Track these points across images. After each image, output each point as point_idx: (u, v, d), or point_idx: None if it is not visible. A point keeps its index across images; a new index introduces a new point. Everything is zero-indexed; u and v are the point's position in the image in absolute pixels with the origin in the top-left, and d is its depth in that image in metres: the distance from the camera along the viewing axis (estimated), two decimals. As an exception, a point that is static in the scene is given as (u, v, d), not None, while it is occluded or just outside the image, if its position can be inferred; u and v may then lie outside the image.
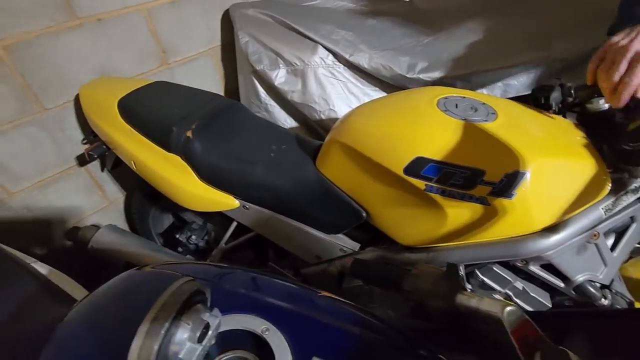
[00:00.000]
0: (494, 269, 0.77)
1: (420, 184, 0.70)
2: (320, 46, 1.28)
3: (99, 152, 1.12)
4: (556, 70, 1.08)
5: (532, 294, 0.77)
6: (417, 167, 0.70)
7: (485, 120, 0.72)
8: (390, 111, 0.81)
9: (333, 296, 0.47)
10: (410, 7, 1.41)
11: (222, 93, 1.66)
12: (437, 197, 0.70)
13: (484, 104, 0.78)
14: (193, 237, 1.21)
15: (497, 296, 0.80)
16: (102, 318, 0.38)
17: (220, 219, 1.11)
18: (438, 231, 0.74)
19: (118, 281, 0.45)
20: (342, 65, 1.30)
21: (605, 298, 0.73)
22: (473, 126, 0.71)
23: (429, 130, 0.72)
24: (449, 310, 0.42)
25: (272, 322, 0.36)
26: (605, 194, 0.69)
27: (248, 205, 0.97)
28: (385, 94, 1.32)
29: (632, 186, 0.70)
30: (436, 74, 1.16)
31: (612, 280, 0.76)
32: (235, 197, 0.97)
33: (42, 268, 0.77)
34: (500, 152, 0.66)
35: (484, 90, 1.18)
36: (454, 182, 0.68)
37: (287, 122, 1.42)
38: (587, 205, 0.68)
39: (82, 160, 1.27)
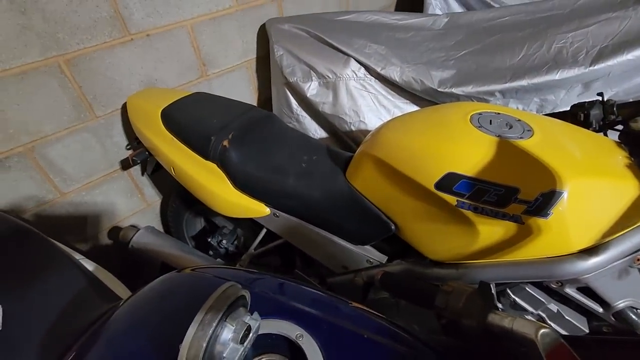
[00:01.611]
0: (527, 289, 0.75)
1: (451, 199, 0.70)
2: (353, 59, 1.31)
3: (141, 157, 1.20)
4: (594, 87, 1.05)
5: (567, 318, 0.75)
6: (448, 182, 0.70)
7: (521, 138, 0.71)
8: (423, 126, 0.81)
9: (364, 307, 0.48)
10: (442, 21, 1.42)
11: (255, 103, 1.72)
12: (469, 213, 0.70)
13: (519, 120, 0.77)
14: (224, 241, 1.25)
15: (529, 317, 0.78)
16: (150, 317, 0.41)
17: (250, 225, 1.15)
18: (469, 248, 0.73)
19: (162, 282, 0.49)
20: (374, 78, 1.32)
21: (649, 327, 0.69)
22: (507, 143, 0.70)
23: (461, 146, 0.72)
24: (481, 330, 0.42)
25: (306, 329, 0.38)
26: (650, 218, 0.66)
27: (278, 213, 1.00)
28: (416, 107, 1.33)
29: (681, 210, 0.66)
30: (469, 89, 1.15)
31: (658, 309, 0.71)
32: (266, 205, 1.01)
33: (89, 264, 0.82)
34: (536, 170, 0.65)
35: (520, 106, 1.16)
36: (487, 199, 0.67)
37: (318, 132, 1.46)
38: (630, 229, 0.65)
39: (126, 165, 1.35)
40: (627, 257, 0.66)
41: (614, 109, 0.80)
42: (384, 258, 0.94)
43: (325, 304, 0.44)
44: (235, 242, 1.29)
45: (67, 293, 0.69)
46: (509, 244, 0.69)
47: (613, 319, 0.72)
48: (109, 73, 1.22)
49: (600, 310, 0.72)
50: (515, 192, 0.65)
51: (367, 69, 1.31)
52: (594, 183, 0.65)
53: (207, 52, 1.45)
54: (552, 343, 0.37)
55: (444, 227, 0.75)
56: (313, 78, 1.35)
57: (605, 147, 0.75)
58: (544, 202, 0.64)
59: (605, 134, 0.84)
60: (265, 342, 0.39)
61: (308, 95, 1.36)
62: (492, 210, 0.67)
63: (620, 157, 0.72)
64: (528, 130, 0.74)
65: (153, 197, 1.53)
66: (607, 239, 0.65)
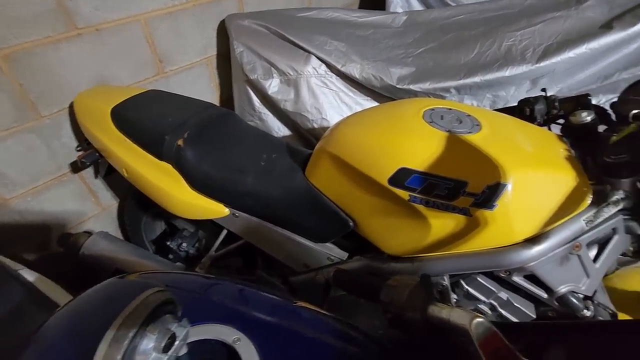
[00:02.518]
0: (478, 279, 0.77)
1: (404, 194, 0.71)
2: (314, 56, 1.30)
3: (91, 159, 1.13)
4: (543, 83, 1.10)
5: (516, 305, 0.78)
6: (401, 177, 0.71)
7: (470, 132, 0.73)
8: (377, 122, 0.82)
9: (310, 307, 0.47)
10: (401, 19, 1.44)
11: (217, 101, 1.67)
12: (421, 207, 0.71)
13: (469, 115, 0.79)
14: (184, 244, 1.21)
15: (482, 306, 0.81)
16: (75, 326, 0.39)
17: (212, 226, 1.11)
18: (422, 241, 0.75)
19: (96, 289, 0.46)
20: (335, 75, 1.32)
21: (588, 309, 0.73)
22: (457, 138, 0.72)
23: (413, 141, 0.73)
24: (423, 322, 0.43)
25: (244, 332, 0.37)
26: (586, 205, 0.70)
27: (238, 213, 0.98)
28: (376, 104, 1.34)
29: (614, 198, 0.70)
30: (426, 85, 1.18)
31: (595, 292, 0.76)
32: (225, 205, 0.98)
33: (29, 275, 0.77)
34: (482, 163, 0.67)
35: (474, 101, 1.19)
36: (438, 193, 0.69)
37: (280, 130, 1.44)
38: (569, 217, 0.69)
39: (76, 168, 1.28)
40: (567, 245, 0.70)
41: (556, 103, 0.84)
42: (344, 255, 0.95)
43: (268, 305, 0.43)
44: (197, 245, 1.25)
45: (1, 307, 0.64)
46: (460, 236, 0.71)
47: (557, 303, 0.76)
48: (55, 70, 1.14)
49: (545, 296, 0.75)
50: (463, 185, 0.67)
51: (328, 66, 1.31)
52: (536, 175, 0.68)
53: (164, 48, 1.40)
54: (486, 332, 0.37)
55: (399, 222, 0.76)
56: (274, 75, 1.33)
57: (548, 140, 0.78)
58: (490, 194, 0.66)
59: (549, 128, 0.88)
60: (204, 348, 0.37)
61: (269, 92, 1.34)
62: (443, 203, 0.69)
63: (560, 150, 0.76)
64: (477, 125, 0.76)
65: (109, 201, 1.45)
66: (548, 228, 0.68)
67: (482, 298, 0.79)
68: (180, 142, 0.95)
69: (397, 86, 1.20)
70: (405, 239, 0.77)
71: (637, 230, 0.74)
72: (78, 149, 1.24)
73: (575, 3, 1.16)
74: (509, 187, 0.65)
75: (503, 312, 0.80)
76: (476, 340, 0.37)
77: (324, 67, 1.31)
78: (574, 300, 0.74)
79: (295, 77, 1.31)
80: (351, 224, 0.86)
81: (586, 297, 0.75)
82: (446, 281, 0.77)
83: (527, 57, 1.09)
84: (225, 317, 0.39)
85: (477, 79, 1.13)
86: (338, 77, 1.32)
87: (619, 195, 0.71)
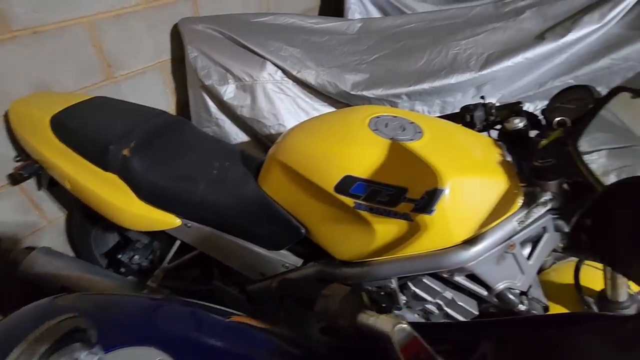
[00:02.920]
0: (424, 280, 0.80)
1: (349, 201, 0.73)
2: (269, 62, 1.30)
3: (30, 171, 1.07)
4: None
5: (459, 303, 0.82)
6: (346, 185, 0.72)
7: (411, 139, 0.76)
8: (324, 130, 0.83)
9: (245, 321, 0.47)
10: (356, 26, 1.47)
11: (173, 107, 1.63)
12: (366, 214, 0.73)
13: (412, 123, 0.82)
14: (136, 257, 1.17)
15: (429, 306, 0.84)
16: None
17: (167, 237, 1.08)
18: (369, 246, 0.77)
19: (19, 312, 0.43)
20: (291, 81, 1.33)
21: (523, 304, 0.78)
22: (399, 145, 0.74)
23: (357, 149, 0.75)
24: (354, 329, 0.44)
25: (169, 353, 0.36)
26: (518, 207, 0.74)
27: (190, 223, 0.96)
28: (333, 109, 1.36)
29: (542, 199, 0.76)
30: (379, 91, 1.21)
31: (530, 287, 0.81)
32: (176, 216, 0.96)
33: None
34: (422, 170, 0.70)
35: (424, 107, 1.24)
36: (380, 200, 0.71)
37: (238, 136, 1.42)
38: (502, 218, 0.73)
39: (15, 179, 1.20)
40: (502, 244, 0.74)
41: (493, 110, 0.89)
42: (299, 261, 0.95)
43: (197, 323, 0.43)
44: (151, 257, 1.21)
45: None
46: (403, 240, 0.73)
47: (496, 300, 0.80)
48: (-14, 76, 1.06)
49: (485, 293, 0.80)
50: (404, 191, 0.70)
51: (284, 72, 1.31)
52: (471, 180, 0.71)
53: (113, 52, 1.34)
54: (407, 338, 0.39)
55: (347, 228, 0.78)
56: (230, 81, 1.32)
57: (485, 146, 0.83)
58: (428, 199, 0.69)
59: (489, 133, 0.93)
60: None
61: (225, 98, 1.32)
62: (385, 209, 0.71)
63: (496, 155, 0.80)
64: (419, 132, 0.79)
65: (55, 213, 1.37)
66: (484, 230, 0.72)
67: (429, 298, 0.82)
68: (126, 151, 0.91)
69: (352, 92, 1.23)
70: (354, 245, 0.79)
71: (564, 228, 0.80)
72: (17, 159, 1.17)
73: (514, 15, 1.23)
74: (446, 192, 0.69)
75: (449, 310, 0.83)
76: (397, 345, 0.39)
77: (280, 73, 1.31)
78: (511, 296, 0.79)
79: (251, 83, 1.30)
80: (303, 231, 0.86)
81: (522, 293, 0.80)
82: (394, 284, 0.80)
83: (470, 65, 1.15)
84: (148, 339, 0.38)
85: (426, 85, 1.17)
86: (294, 83, 1.33)
87: (547, 196, 0.76)
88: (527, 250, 0.81)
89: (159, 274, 1.07)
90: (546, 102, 1.19)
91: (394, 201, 0.70)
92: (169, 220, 0.96)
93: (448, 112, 1.25)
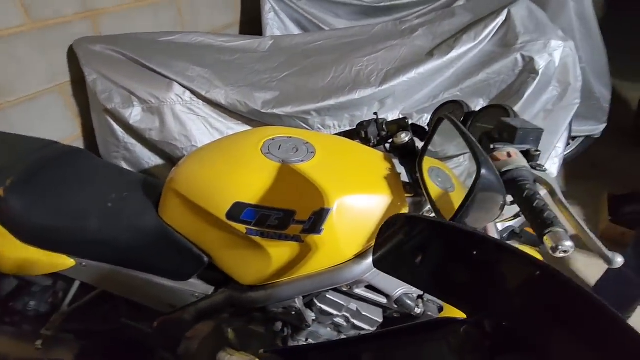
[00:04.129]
0: (328, 296, 0.82)
1: (241, 228, 0.73)
2: (176, 83, 1.27)
3: None
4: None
5: (364, 313, 0.85)
6: (236, 212, 0.72)
7: (302, 161, 0.78)
8: (217, 157, 0.82)
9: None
10: (267, 43, 1.48)
11: (78, 132, 1.51)
12: (258, 239, 0.73)
13: (307, 143, 0.85)
14: (32, 302, 1.05)
15: (337, 320, 0.87)
16: None
17: (66, 277, 0.99)
18: (268, 270, 0.77)
19: None
20: (201, 102, 1.30)
21: (419, 307, 0.84)
22: (288, 168, 0.76)
23: (247, 175, 0.75)
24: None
25: None
26: (403, 220, 0.79)
27: (85, 262, 0.89)
28: (248, 127, 1.35)
29: (427, 207, 0.82)
30: (288, 109, 1.23)
31: (426, 289, 0.87)
32: (68, 256, 0.88)
33: None
34: (309, 191, 0.72)
35: (334, 121, 1.28)
36: (270, 224, 0.71)
37: (152, 160, 1.36)
38: (390, 230, 0.78)
39: None
40: (393, 254, 0.78)
41: (384, 126, 0.94)
42: (210, 289, 0.92)
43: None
44: (51, 299, 1.10)
45: None
46: (298, 261, 0.75)
47: (395, 306, 0.85)
48: None
49: (385, 301, 0.84)
50: (292, 214, 0.71)
51: (193, 92, 1.28)
52: (356, 197, 0.75)
53: (-5, 77, 1.22)
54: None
55: (244, 253, 0.77)
56: (135, 104, 1.26)
57: (375, 161, 0.87)
58: (316, 220, 0.71)
59: (384, 147, 0.99)
60: None
61: (131, 122, 1.26)
62: (276, 233, 0.72)
63: (385, 169, 0.85)
64: (311, 153, 0.81)
65: None
66: (372, 243, 0.76)
67: (335, 312, 0.84)
68: (0, 191, 0.83)
69: (262, 111, 1.23)
70: (253, 269, 0.79)
71: (450, 232, 0.87)
72: None
73: (409, 32, 1.33)
74: (333, 211, 0.71)
75: (355, 322, 0.86)
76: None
77: (188, 93, 1.28)
78: (408, 301, 0.83)
79: (158, 105, 1.25)
80: (206, 259, 0.84)
81: (419, 296, 0.86)
82: (298, 303, 0.81)
83: (372, 81, 1.22)
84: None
85: (332, 102, 1.22)
86: (205, 104, 1.30)
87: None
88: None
89: (57, 319, 0.97)
90: (441, 113, 1.32)
91: (283, 224, 0.71)
92: (60, 262, 0.88)
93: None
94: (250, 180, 0.74)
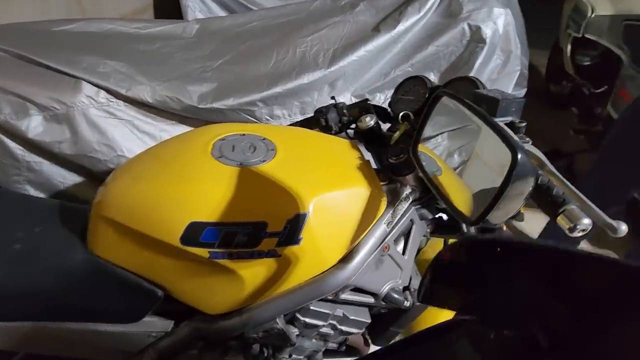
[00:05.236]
0: (312, 307, 0.74)
1: (202, 252, 0.60)
2: (85, 82, 1.03)
3: None
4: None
5: (352, 317, 0.78)
6: (193, 234, 0.59)
7: (264, 161, 0.67)
8: (158, 168, 0.67)
9: None
10: (192, 28, 1.29)
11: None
12: (226, 262, 0.61)
13: (264, 139, 0.73)
14: None
15: (324, 330, 0.79)
16: None
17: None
18: (241, 294, 0.65)
19: None
20: (122, 102, 1.08)
21: (407, 300, 0.79)
22: (249, 171, 0.64)
23: (200, 187, 0.62)
24: None
25: None
26: (383, 209, 0.73)
27: (-6, 325, 0.68)
28: (186, 127, 1.17)
29: (404, 195, 0.76)
30: (230, 101, 1.08)
31: (410, 278, 0.83)
32: (-33, 321, 0.67)
33: None
34: (279, 196, 0.62)
35: (283, 110, 1.17)
36: (238, 242, 0.60)
37: (66, 179, 1.11)
38: (371, 225, 0.71)
39: None
40: (377, 250, 0.72)
41: (344, 111, 0.86)
42: (168, 324, 0.78)
43: None
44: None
45: None
46: (276, 278, 0.64)
47: (384, 303, 0.79)
48: None
49: (373, 300, 0.77)
50: (263, 226, 0.60)
51: (109, 92, 1.06)
52: (333, 196, 0.66)
53: None
54: None
55: (209, 281, 0.65)
56: (32, 112, 1.00)
57: (342, 150, 0.79)
58: (292, 229, 0.61)
59: (347, 134, 0.91)
60: None
61: (31, 135, 1.01)
62: (247, 252, 0.61)
63: (354, 158, 0.77)
64: (272, 150, 0.70)
65: None
66: (356, 242, 0.69)
67: (321, 323, 0.76)
68: None
69: (199, 106, 1.07)
70: (223, 297, 0.67)
71: (428, 215, 0.82)
72: None
73: (350, 8, 1.25)
74: (310, 215, 0.62)
75: (343, 327, 0.79)
76: None
77: (103, 93, 1.06)
78: (396, 296, 0.78)
79: (66, 112, 1.02)
80: (160, 293, 0.70)
81: (405, 288, 0.81)
82: (280, 324, 0.71)
83: (319, 63, 1.12)
84: None
85: (279, 89, 1.10)
86: (127, 104, 1.09)
87: (407, 190, 0.77)
88: (400, 246, 0.81)
89: (-35, 403, 0.75)
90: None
91: (254, 240, 0.60)
92: (-45, 331, 0.66)
93: (309, 111, 1.21)
94: (205, 193, 0.61)
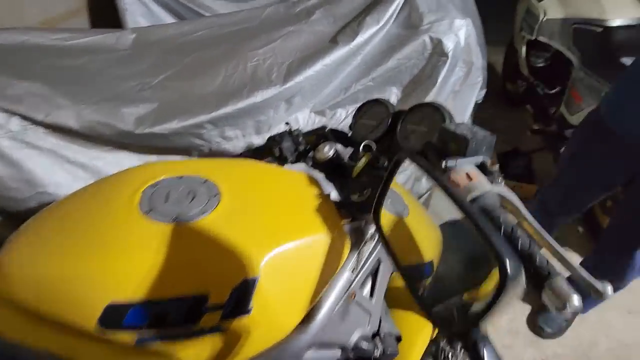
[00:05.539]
0: (271, 374, 0.64)
1: (127, 337, 0.48)
2: (-9, 108, 0.86)
3: None
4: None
5: (319, 376, 0.70)
6: (114, 317, 0.47)
7: (205, 212, 0.56)
8: (66, 233, 0.54)
9: None
10: (128, 38, 1.14)
11: None
12: (159, 345, 0.50)
13: (206, 181, 0.62)
14: None
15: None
16: None
17: None
18: (184, 377, 0.55)
19: None
20: (42, 129, 0.92)
21: (377, 347, 0.72)
22: (186, 228, 0.53)
23: (121, 256, 0.50)
24: None
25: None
26: (347, 253, 0.65)
27: None
28: (126, 153, 1.02)
29: (369, 233, 0.69)
30: (174, 124, 0.95)
31: (380, 321, 0.76)
32: None
33: None
34: (222, 260, 0.52)
35: (236, 130, 1.05)
36: (173, 321, 0.49)
37: (-23, 222, 0.94)
38: (334, 275, 0.63)
39: None
40: (342, 300, 0.64)
41: (300, 139, 0.77)
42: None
43: None
44: None
45: None
46: (225, 355, 0.54)
47: (352, 353, 0.71)
48: None
49: (339, 354, 0.70)
50: (204, 299, 0.50)
51: (25, 118, 0.90)
52: (288, 250, 0.57)
53: None
54: None
55: (142, 367, 0.53)
56: None
57: (299, 186, 0.70)
58: (240, 298, 0.51)
59: (305, 163, 0.82)
60: None
61: None
62: (184, 331, 0.50)
63: (313, 194, 0.68)
64: (214, 196, 0.59)
65: None
66: (317, 298, 0.60)
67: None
68: None
69: (137, 132, 0.93)
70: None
71: (396, 251, 0.76)
72: None
73: (305, 16, 1.16)
74: (260, 279, 0.52)
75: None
76: None
77: (16, 120, 0.89)
78: (365, 345, 0.71)
79: (-33, 144, 0.85)
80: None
81: (374, 334, 0.74)
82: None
83: (273, 79, 1.02)
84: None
85: (229, 108, 0.98)
86: (48, 131, 0.93)
87: (372, 229, 0.70)
88: (367, 288, 0.74)
89: None
90: (356, 105, 1.20)
91: (193, 317, 0.50)
92: None
93: (264, 131, 1.10)
94: (128, 264, 0.49)
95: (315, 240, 0.61)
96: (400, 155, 0.52)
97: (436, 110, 0.66)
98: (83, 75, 1.00)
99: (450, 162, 0.51)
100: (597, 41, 1.87)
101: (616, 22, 1.85)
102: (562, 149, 2.03)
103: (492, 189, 0.47)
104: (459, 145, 0.52)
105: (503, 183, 0.53)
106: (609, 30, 1.84)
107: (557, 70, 2.19)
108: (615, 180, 1.11)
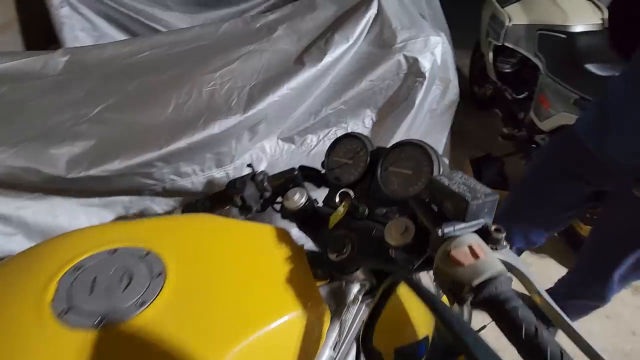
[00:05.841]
0: None
1: None
2: None
3: None
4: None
5: None
6: None
7: (143, 303, 0.44)
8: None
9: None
10: (59, 61, 0.97)
11: None
12: None
13: (147, 254, 0.49)
14: None
15: None
16: None
17: None
18: None
19: None
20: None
21: None
22: (115, 334, 0.41)
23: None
24: None
25: None
26: (326, 330, 0.55)
27: None
28: (52, 201, 0.86)
29: (352, 296, 0.59)
30: (115, 165, 0.81)
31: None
32: None
33: None
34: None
35: (194, 166, 0.92)
36: None
37: None
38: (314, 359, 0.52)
39: None
40: (324, 385, 0.53)
41: (265, 184, 0.66)
42: None
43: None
44: None
45: None
46: None
47: None
48: None
49: None
50: None
51: None
52: (255, 342, 0.45)
53: None
54: None
55: None
56: None
57: (265, 246, 0.59)
58: None
59: (273, 209, 0.70)
60: None
61: None
62: None
63: (282, 256, 0.57)
64: (158, 277, 0.47)
65: None
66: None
67: None
68: None
69: (69, 177, 0.78)
70: None
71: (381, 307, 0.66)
72: None
73: (267, 33, 1.04)
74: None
75: None
76: None
77: None
78: None
79: None
80: None
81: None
82: None
83: (233, 107, 0.90)
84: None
85: (182, 143, 0.85)
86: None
87: (354, 289, 0.60)
88: (352, 354, 0.64)
89: None
90: (327, 130, 1.10)
91: None
92: None
93: (226, 164, 0.97)
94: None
95: (289, 320, 0.50)
96: (396, 277, 0.42)
97: (421, 150, 0.57)
98: (1, 109, 0.83)
99: (448, 229, 0.42)
100: (560, 47, 1.88)
101: (578, 28, 1.86)
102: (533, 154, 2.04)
103: (503, 269, 0.38)
104: (455, 207, 0.43)
105: (508, 247, 0.45)
106: (572, 36, 1.86)
107: (524, 75, 2.19)
108: (571, 200, 1.06)
